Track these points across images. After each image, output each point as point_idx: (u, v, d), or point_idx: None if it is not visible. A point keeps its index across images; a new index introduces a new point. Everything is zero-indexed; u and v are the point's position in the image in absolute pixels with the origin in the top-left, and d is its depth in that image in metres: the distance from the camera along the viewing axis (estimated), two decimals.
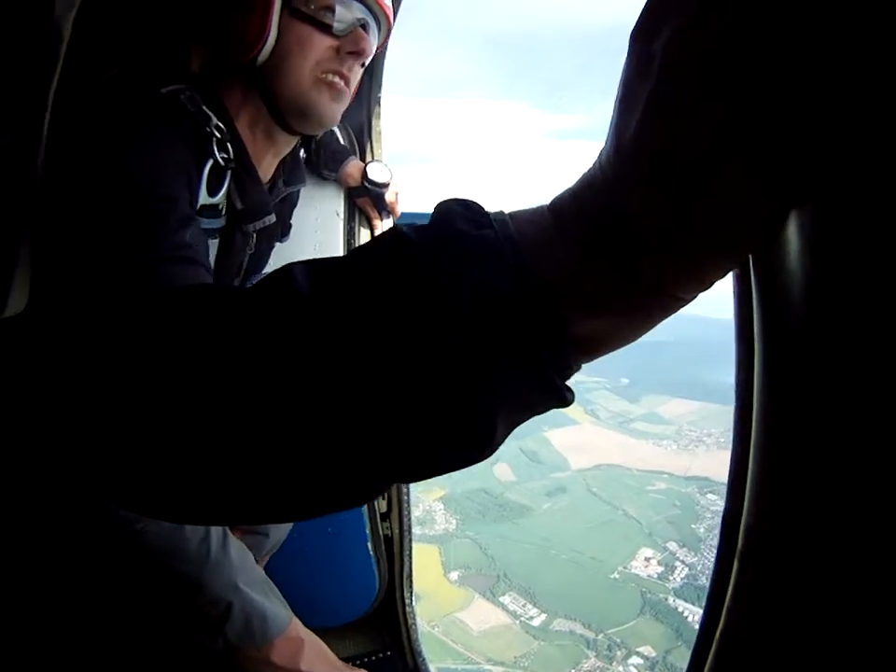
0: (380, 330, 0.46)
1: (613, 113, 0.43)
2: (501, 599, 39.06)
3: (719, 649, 0.59)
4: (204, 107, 1.21)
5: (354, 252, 0.53)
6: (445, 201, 0.50)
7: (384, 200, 2.02)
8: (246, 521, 0.79)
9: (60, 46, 0.77)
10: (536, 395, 0.48)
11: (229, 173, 1.25)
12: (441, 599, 38.71)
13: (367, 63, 1.38)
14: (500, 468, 49.91)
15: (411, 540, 2.07)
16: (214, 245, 1.30)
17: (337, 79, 1.30)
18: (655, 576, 39.33)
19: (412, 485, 2.34)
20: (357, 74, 1.35)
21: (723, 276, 0.44)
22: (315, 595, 1.49)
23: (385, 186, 1.99)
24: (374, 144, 2.12)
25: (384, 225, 2.08)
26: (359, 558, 2.04)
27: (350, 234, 2.10)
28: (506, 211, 0.49)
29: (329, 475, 0.52)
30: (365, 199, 2.06)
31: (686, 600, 37.47)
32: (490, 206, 0.49)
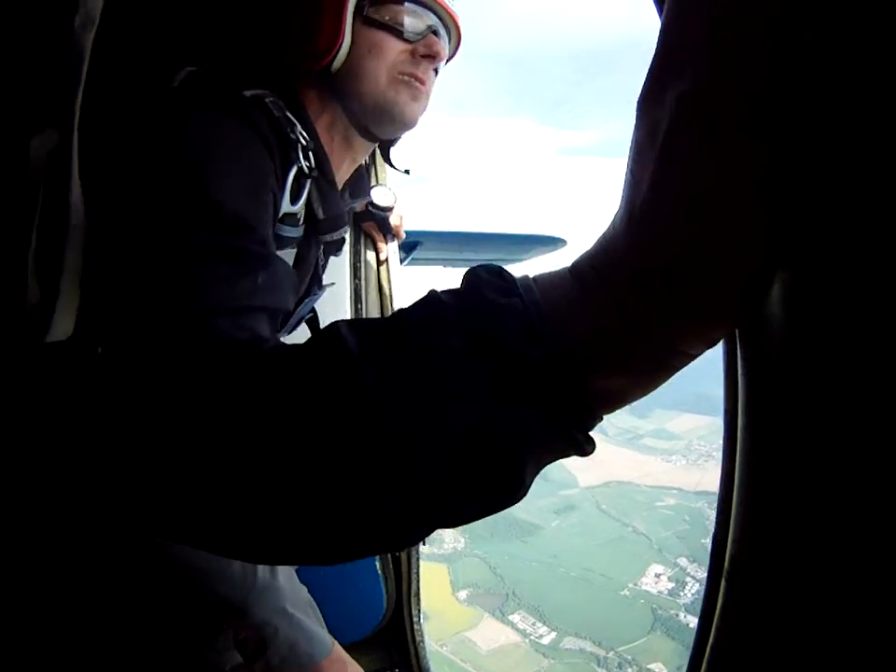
0: (420, 393, 0.52)
1: (625, 177, 0.46)
2: (510, 618, 38.77)
3: (710, 663, 0.62)
4: (288, 113, 1.19)
5: (396, 318, 0.57)
6: (475, 269, 0.54)
7: (388, 223, 2.04)
8: (300, 560, 0.82)
9: (81, 64, 0.77)
10: (559, 447, 0.53)
11: (309, 181, 1.23)
12: (449, 618, 38.44)
13: (439, 70, 1.38)
14: None
15: (418, 559, 2.07)
16: (290, 255, 1.29)
17: (414, 81, 1.29)
18: (666, 592, 38.98)
19: None
20: (432, 79, 1.35)
21: (726, 333, 0.49)
22: (323, 613, 1.50)
23: (390, 210, 2.00)
24: (378, 168, 2.13)
25: (388, 248, 2.11)
26: (367, 577, 2.05)
27: (356, 257, 2.13)
28: (530, 276, 0.53)
29: (376, 525, 0.57)
30: (370, 223, 2.08)
31: (697, 616, 37.16)
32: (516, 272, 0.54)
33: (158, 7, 1.51)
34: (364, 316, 2.10)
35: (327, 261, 1.53)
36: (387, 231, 2.08)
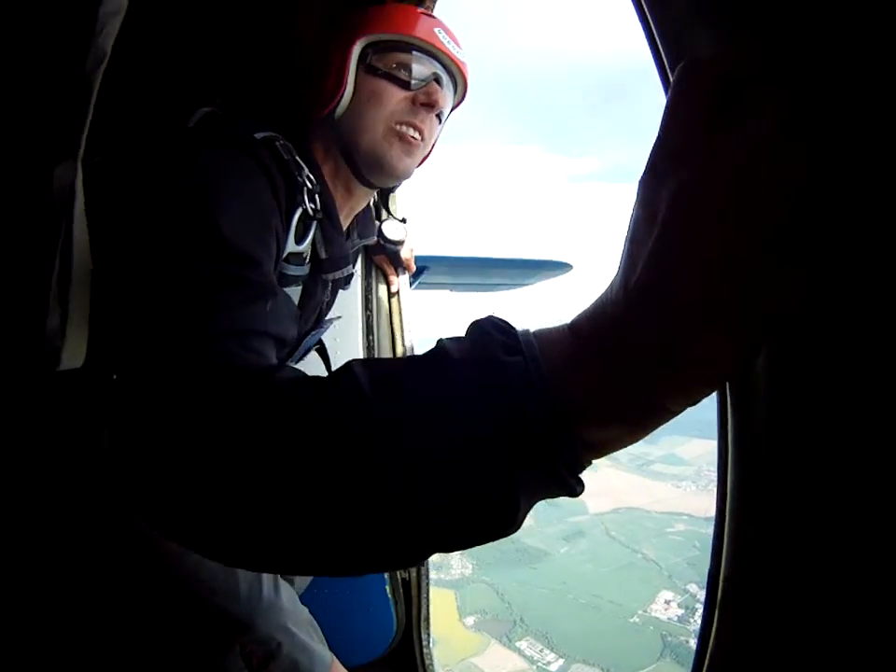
0: (424, 434, 0.57)
1: (623, 247, 0.51)
2: (518, 644, 38.09)
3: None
4: (297, 157, 1.23)
5: (407, 364, 0.63)
6: (480, 321, 0.59)
7: (399, 257, 2.07)
8: (306, 571, 0.87)
9: (89, 101, 0.76)
10: (551, 489, 0.57)
11: (315, 223, 1.27)
12: (456, 644, 37.82)
13: (443, 117, 1.42)
14: None
15: (428, 584, 2.09)
16: (296, 292, 1.32)
17: (410, 131, 1.33)
18: (676, 618, 38.25)
19: None
20: (433, 126, 1.39)
21: (709, 394, 0.52)
22: (333, 636, 1.52)
23: (401, 243, 2.03)
24: (389, 202, 2.11)
25: (399, 281, 2.14)
26: (378, 600, 2.07)
27: (367, 290, 2.17)
28: (531, 331, 0.58)
29: (378, 546, 0.62)
30: (381, 256, 2.12)
31: None
32: (518, 322, 0.59)
33: (167, 46, 1.56)
34: (376, 347, 2.15)
35: (335, 297, 1.58)
36: (398, 265, 2.13)
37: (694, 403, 0.52)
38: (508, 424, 0.54)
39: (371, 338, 2.17)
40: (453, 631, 39.16)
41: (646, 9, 0.63)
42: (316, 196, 1.27)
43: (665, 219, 0.46)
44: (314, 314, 1.47)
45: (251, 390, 0.69)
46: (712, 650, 0.66)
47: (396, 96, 1.31)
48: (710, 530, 0.67)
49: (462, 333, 0.60)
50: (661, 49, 0.64)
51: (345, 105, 1.31)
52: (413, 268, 2.15)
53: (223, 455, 0.66)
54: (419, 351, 2.06)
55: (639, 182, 0.50)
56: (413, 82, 1.33)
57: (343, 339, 2.10)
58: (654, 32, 0.64)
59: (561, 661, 36.77)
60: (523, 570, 44.57)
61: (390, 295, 2.18)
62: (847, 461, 0.48)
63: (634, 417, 0.53)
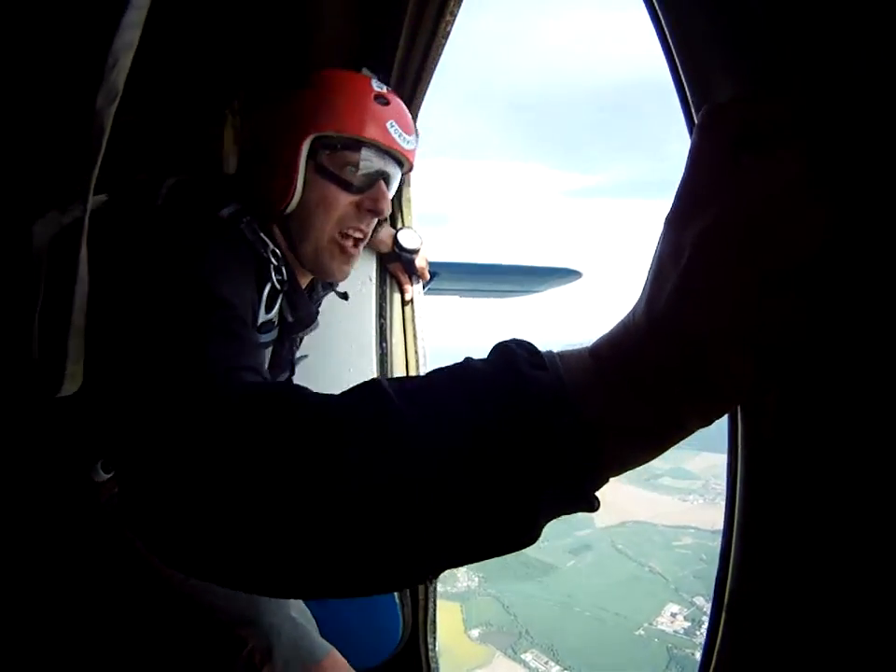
0: (454, 441, 0.58)
1: (646, 281, 0.53)
2: (523, 656, 37.77)
3: None
4: (262, 234, 1.29)
5: (434, 378, 0.64)
6: (506, 342, 0.62)
7: (414, 265, 2.11)
8: (320, 595, 0.87)
9: (102, 137, 0.74)
10: (572, 502, 0.60)
11: (281, 293, 1.34)
12: (461, 656, 37.51)
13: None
14: None
15: (435, 588, 2.11)
16: (267, 353, 1.41)
17: (352, 240, 1.39)
18: (682, 631, 37.85)
19: None
20: (373, 225, 1.43)
21: (723, 415, 0.55)
22: (339, 639, 1.53)
23: (416, 252, 2.07)
24: (405, 211, 2.19)
25: (414, 290, 2.17)
26: (384, 604, 2.08)
27: (382, 298, 2.20)
28: (554, 351, 0.60)
29: (403, 562, 0.63)
30: (396, 264, 2.15)
31: None
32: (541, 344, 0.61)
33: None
34: (389, 354, 2.17)
35: (301, 343, 1.68)
36: (413, 273, 2.15)
37: (709, 423, 0.54)
38: (535, 434, 0.56)
39: (384, 345, 2.19)
40: (458, 643, 38.85)
41: (672, 49, 0.65)
42: (283, 269, 1.33)
43: (691, 257, 0.49)
44: (283, 368, 1.55)
45: (273, 409, 0.70)
46: (719, 651, 0.68)
47: (343, 201, 1.36)
48: (717, 543, 0.69)
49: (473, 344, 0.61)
50: (685, 85, 0.66)
51: (295, 204, 1.34)
52: (427, 276, 2.17)
53: (241, 471, 0.66)
54: (432, 359, 2.06)
55: (665, 221, 0.52)
56: (359, 183, 1.36)
57: (357, 346, 2.13)
58: (680, 71, 0.66)
59: None
60: (529, 583, 44.24)
61: (404, 303, 2.21)
62: (853, 475, 0.50)
63: (652, 436, 0.56)
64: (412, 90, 1.93)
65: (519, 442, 0.56)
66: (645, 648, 37.33)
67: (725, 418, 0.69)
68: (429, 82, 1.92)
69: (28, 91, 0.74)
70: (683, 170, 0.52)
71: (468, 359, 0.63)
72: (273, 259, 1.30)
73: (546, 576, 44.99)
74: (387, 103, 1.38)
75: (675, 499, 56.80)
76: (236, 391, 0.78)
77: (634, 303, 0.56)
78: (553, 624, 40.18)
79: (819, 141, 0.45)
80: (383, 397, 0.62)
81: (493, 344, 0.63)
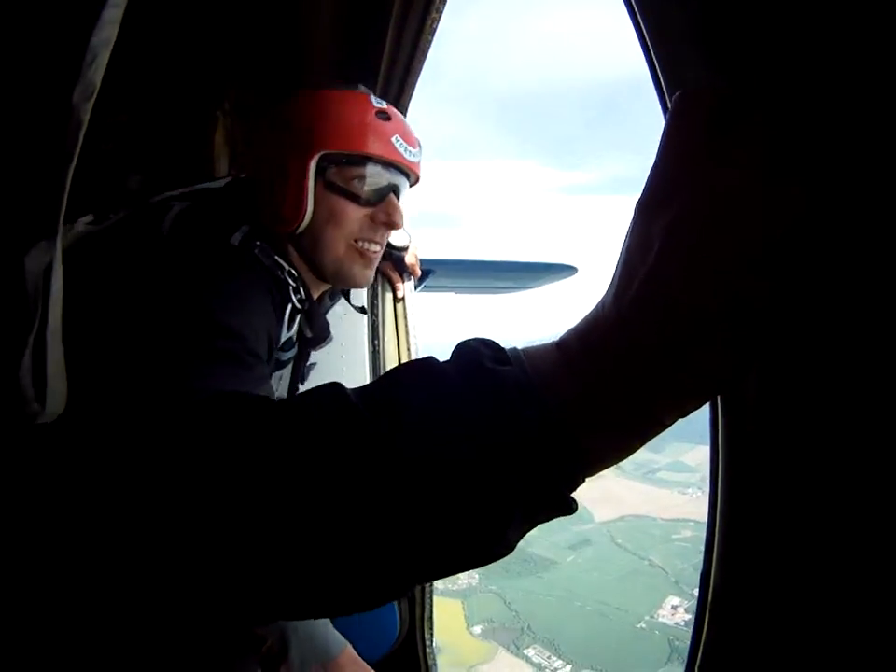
0: (422, 443, 0.55)
1: (616, 269, 0.53)
2: (525, 652, 37.92)
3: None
4: (277, 258, 1.29)
5: (395, 378, 0.61)
6: (468, 341, 0.59)
7: (404, 263, 2.10)
8: (286, 615, 0.86)
9: (78, 132, 0.70)
10: (548, 505, 0.57)
11: (301, 312, 1.36)
12: (463, 653, 37.61)
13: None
14: None
15: (432, 584, 2.11)
16: (289, 370, 1.45)
17: (371, 247, 1.38)
18: (683, 623, 37.94)
19: None
20: (387, 238, 1.44)
21: (699, 407, 0.54)
22: (347, 629, 1.54)
23: (405, 249, 2.06)
24: None
25: (405, 287, 2.17)
26: None
27: (374, 296, 2.20)
28: (518, 348, 0.58)
29: (372, 574, 0.60)
30: (387, 263, 2.13)
31: None
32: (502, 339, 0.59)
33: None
34: (381, 352, 2.19)
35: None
36: (403, 270, 2.14)
37: (685, 415, 0.53)
38: (500, 428, 0.53)
39: (376, 342, 2.20)
40: (461, 640, 38.93)
41: (646, 35, 0.66)
42: (301, 289, 1.34)
43: (662, 243, 0.48)
44: (298, 378, 1.57)
45: (247, 417, 0.67)
46: (704, 648, 0.70)
47: (356, 215, 1.35)
48: None
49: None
50: (660, 75, 0.66)
51: (306, 224, 1.33)
52: (419, 272, 2.16)
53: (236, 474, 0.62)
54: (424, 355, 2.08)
55: (636, 206, 0.52)
56: (370, 197, 1.36)
57: (349, 343, 2.15)
58: (654, 58, 0.66)
59: (569, 667, 36.58)
60: (529, 579, 44.29)
61: (395, 300, 2.21)
62: (835, 465, 0.51)
63: (626, 428, 0.54)
64: (399, 88, 1.94)
65: (484, 438, 0.54)
66: (647, 640, 37.45)
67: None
68: (417, 79, 1.92)
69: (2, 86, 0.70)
70: (655, 156, 0.51)
71: (429, 358, 0.60)
72: (290, 281, 1.31)
73: (546, 571, 45.05)
74: (389, 118, 1.38)
75: (673, 493, 56.87)
76: (205, 403, 0.74)
77: (602, 294, 0.54)
78: (554, 619, 40.27)
79: (786, 126, 0.45)
80: (342, 400, 0.60)
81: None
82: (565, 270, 5.29)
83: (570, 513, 0.58)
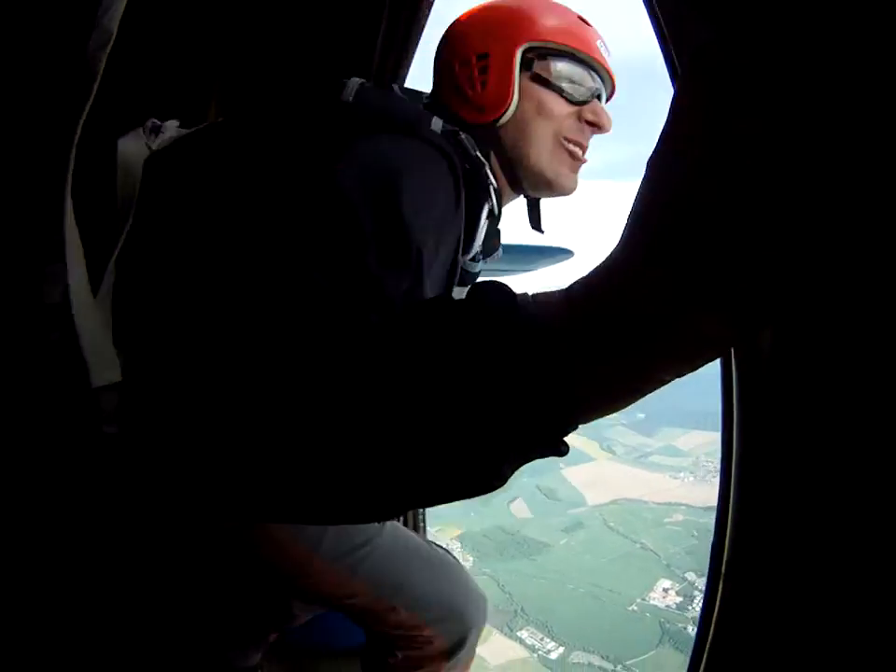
0: (426, 376, 0.57)
1: (627, 225, 0.52)
2: (518, 634, 38.26)
3: (709, 656, 0.69)
4: (478, 153, 1.16)
5: (403, 318, 0.63)
6: (482, 282, 0.60)
7: None
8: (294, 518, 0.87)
9: (93, 82, 0.70)
10: (539, 441, 0.58)
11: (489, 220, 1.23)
12: None
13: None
14: (517, 505, 49.02)
15: None
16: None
17: (578, 150, 1.28)
18: (674, 606, 38.36)
19: (428, 525, 2.39)
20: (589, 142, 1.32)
21: (697, 368, 0.53)
22: (327, 619, 1.54)
23: None
24: None
25: None
26: None
27: None
28: (528, 293, 0.59)
29: (373, 493, 0.63)
30: None
31: None
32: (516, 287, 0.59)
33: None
34: None
35: None
36: None
37: (681, 374, 0.53)
38: (500, 369, 0.55)
39: None
40: None
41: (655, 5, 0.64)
42: (496, 193, 1.23)
43: (676, 198, 0.47)
44: None
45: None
46: (717, 618, 0.68)
47: (564, 110, 1.26)
48: (708, 520, 0.68)
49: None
50: (669, 42, 0.65)
51: (511, 113, 1.24)
52: None
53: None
54: None
55: (647, 165, 0.51)
56: (578, 98, 1.28)
57: None
58: (661, 22, 0.64)
59: (561, 649, 36.95)
60: (522, 562, 44.70)
61: None
62: (848, 453, 0.49)
63: (624, 380, 0.55)
64: (395, 62, 1.89)
65: (484, 376, 0.55)
66: (638, 623, 37.84)
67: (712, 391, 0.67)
68: (414, 52, 1.89)
69: (17, 35, 0.70)
70: (668, 112, 0.50)
71: (437, 299, 0.63)
72: (492, 181, 1.20)
73: (539, 554, 45.46)
74: (590, 25, 1.32)
75: (666, 477, 57.36)
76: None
77: (613, 246, 0.54)
78: (547, 602, 40.68)
79: (791, 89, 0.43)
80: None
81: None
82: (561, 253, 5.31)
83: (562, 455, 0.59)
